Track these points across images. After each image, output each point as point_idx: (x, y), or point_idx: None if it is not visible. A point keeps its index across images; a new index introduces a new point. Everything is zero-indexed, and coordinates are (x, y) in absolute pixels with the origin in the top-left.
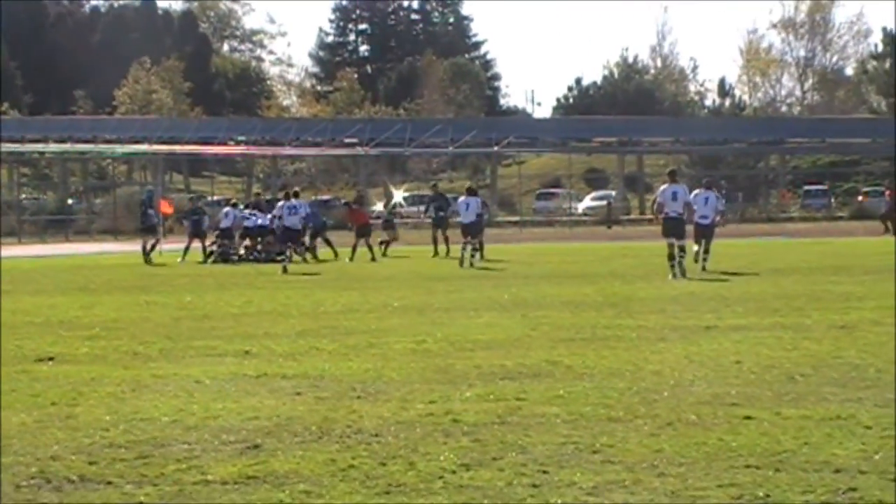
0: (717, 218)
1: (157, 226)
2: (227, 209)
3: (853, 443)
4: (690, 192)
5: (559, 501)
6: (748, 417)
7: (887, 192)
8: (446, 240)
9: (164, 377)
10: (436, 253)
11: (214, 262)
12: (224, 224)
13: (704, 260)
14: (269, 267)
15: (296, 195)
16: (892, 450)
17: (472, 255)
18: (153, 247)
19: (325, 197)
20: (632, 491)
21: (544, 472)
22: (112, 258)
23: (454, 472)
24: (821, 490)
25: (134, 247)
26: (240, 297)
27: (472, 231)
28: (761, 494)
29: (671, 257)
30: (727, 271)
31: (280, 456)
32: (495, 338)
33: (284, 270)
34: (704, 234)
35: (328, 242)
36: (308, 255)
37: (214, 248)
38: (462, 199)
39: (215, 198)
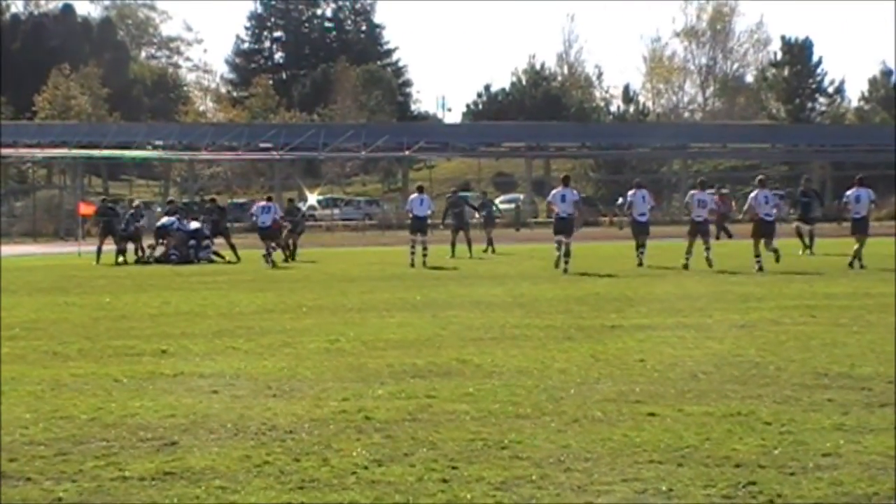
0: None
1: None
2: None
3: (753, 438)
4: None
5: (468, 496)
6: (652, 414)
7: (717, 198)
8: (468, 241)
9: (83, 376)
10: (453, 255)
11: (142, 262)
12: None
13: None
14: (186, 268)
15: (269, 199)
16: (791, 445)
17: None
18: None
19: (241, 200)
20: (539, 486)
21: (454, 467)
22: (32, 260)
23: (366, 467)
24: (722, 484)
25: (53, 248)
26: (157, 297)
27: (425, 228)
28: (664, 489)
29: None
30: (633, 272)
31: (196, 452)
32: (406, 337)
33: (273, 265)
34: (642, 230)
35: (232, 246)
36: (215, 256)
37: (150, 250)
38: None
39: (135, 201)
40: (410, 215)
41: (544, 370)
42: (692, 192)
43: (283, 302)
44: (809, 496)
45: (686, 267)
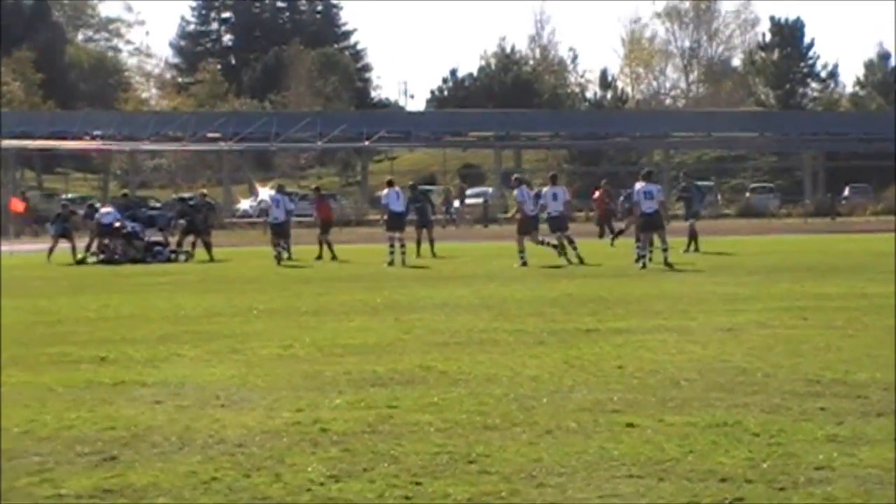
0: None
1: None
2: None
3: (740, 450)
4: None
5: None
6: (630, 425)
7: (597, 192)
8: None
9: (15, 385)
10: (418, 254)
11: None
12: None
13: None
14: (126, 268)
15: (280, 189)
16: (780, 458)
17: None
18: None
19: (187, 195)
20: (509, 502)
21: (417, 483)
22: None
23: (322, 483)
24: (706, 500)
25: None
26: (96, 300)
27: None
28: None
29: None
30: (607, 272)
31: (138, 468)
32: (366, 342)
33: (278, 262)
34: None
35: (208, 245)
36: (182, 257)
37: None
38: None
39: (69, 196)
40: (387, 212)
41: (514, 377)
42: (638, 184)
43: (233, 304)
44: None
45: (644, 266)
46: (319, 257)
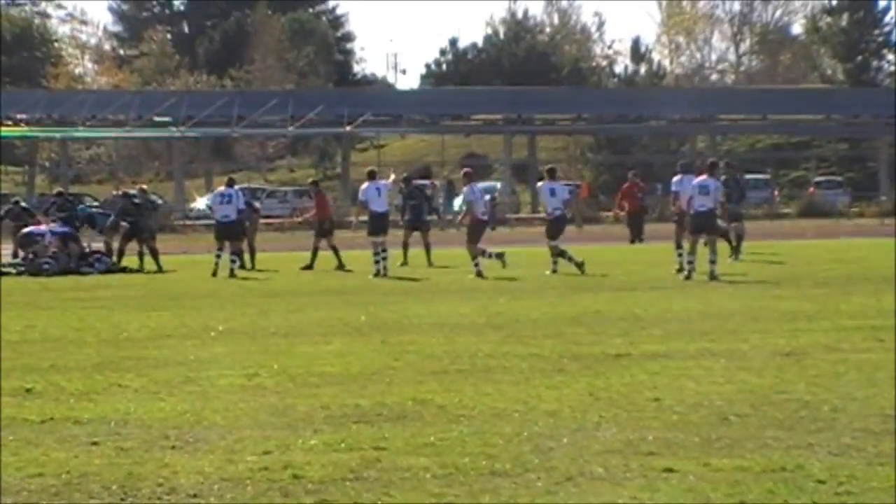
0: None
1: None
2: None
3: (802, 500)
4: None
5: None
6: (669, 470)
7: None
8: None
9: None
10: (405, 261)
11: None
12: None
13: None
14: (56, 281)
15: (230, 182)
16: None
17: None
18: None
19: (131, 190)
20: None
21: None
22: None
23: None
24: None
25: None
26: (19, 319)
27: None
28: None
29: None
30: (641, 284)
31: None
32: (348, 370)
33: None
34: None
35: (154, 252)
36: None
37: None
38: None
39: None
40: (367, 211)
41: (528, 413)
42: (682, 176)
43: (185, 324)
44: None
45: (689, 276)
46: (310, 267)
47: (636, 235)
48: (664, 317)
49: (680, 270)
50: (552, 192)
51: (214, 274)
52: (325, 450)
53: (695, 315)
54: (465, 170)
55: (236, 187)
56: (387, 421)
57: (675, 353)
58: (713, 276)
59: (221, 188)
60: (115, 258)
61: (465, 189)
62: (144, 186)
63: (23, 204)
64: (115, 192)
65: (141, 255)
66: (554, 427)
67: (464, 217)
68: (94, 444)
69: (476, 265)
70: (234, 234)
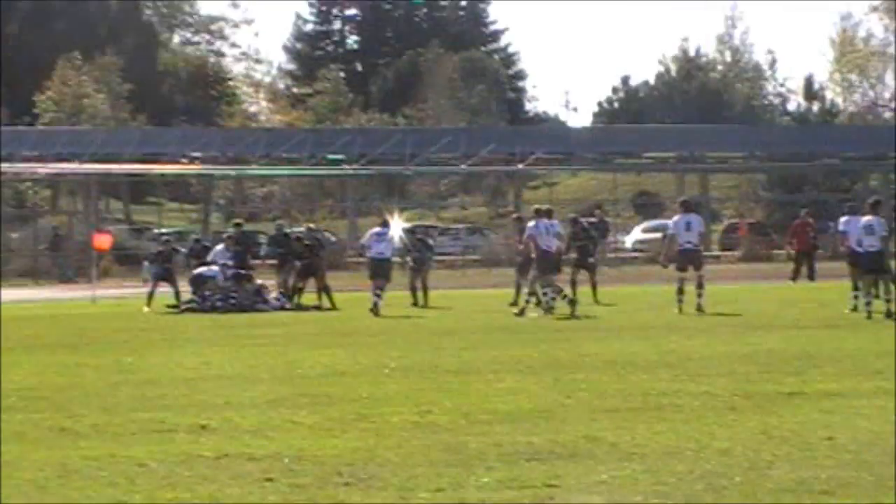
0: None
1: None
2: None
3: None
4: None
5: None
6: None
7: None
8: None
9: (99, 459)
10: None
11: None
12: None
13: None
14: (229, 318)
15: (384, 223)
16: None
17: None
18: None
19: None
20: None
21: None
22: (32, 308)
23: None
24: None
25: (59, 293)
26: (194, 356)
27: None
28: None
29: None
30: (815, 323)
31: None
32: (520, 407)
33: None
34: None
35: (327, 290)
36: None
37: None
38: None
39: (163, 230)
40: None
41: (700, 451)
42: (849, 217)
43: (358, 362)
44: None
45: (869, 315)
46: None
47: (807, 274)
48: (836, 355)
49: (854, 310)
50: (688, 227)
51: (375, 312)
52: (498, 487)
53: (868, 353)
54: (516, 215)
55: (409, 223)
56: (559, 458)
57: (849, 392)
58: (889, 315)
59: (377, 228)
60: (289, 296)
61: (530, 224)
62: (312, 225)
63: (205, 242)
64: (277, 227)
65: (319, 293)
66: (726, 465)
67: (525, 248)
68: (269, 480)
69: (546, 296)
70: (386, 271)
